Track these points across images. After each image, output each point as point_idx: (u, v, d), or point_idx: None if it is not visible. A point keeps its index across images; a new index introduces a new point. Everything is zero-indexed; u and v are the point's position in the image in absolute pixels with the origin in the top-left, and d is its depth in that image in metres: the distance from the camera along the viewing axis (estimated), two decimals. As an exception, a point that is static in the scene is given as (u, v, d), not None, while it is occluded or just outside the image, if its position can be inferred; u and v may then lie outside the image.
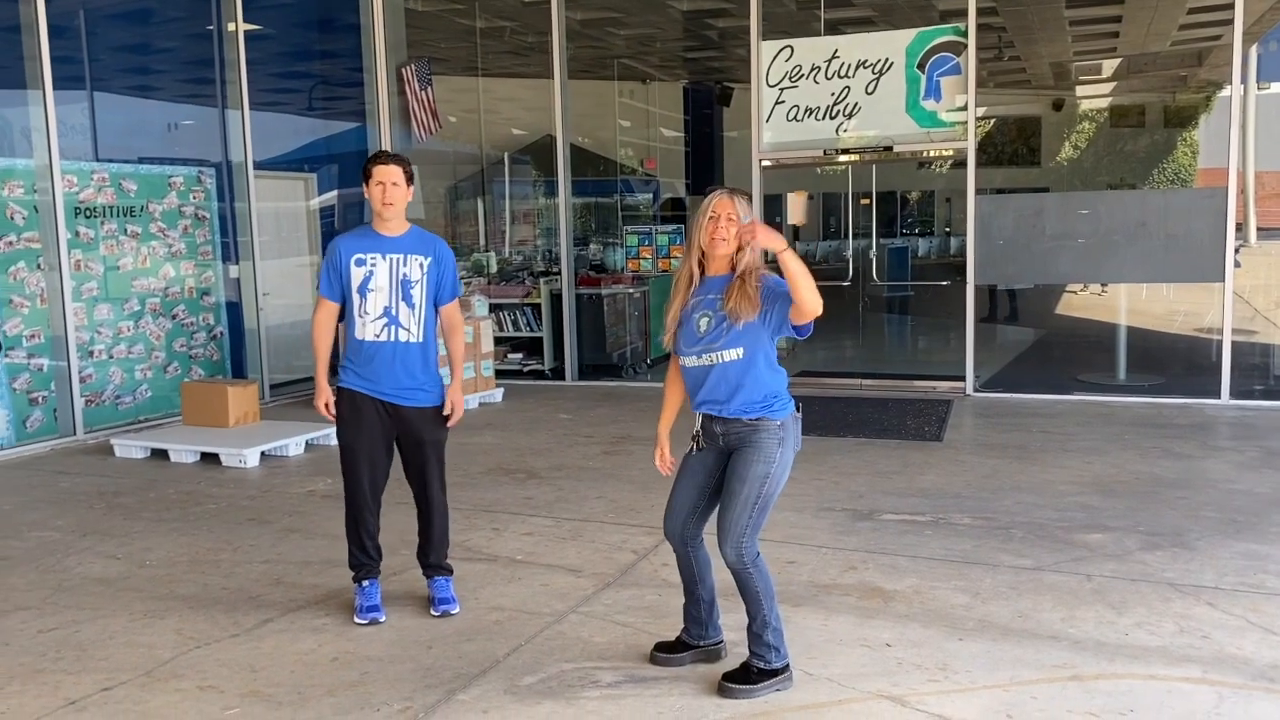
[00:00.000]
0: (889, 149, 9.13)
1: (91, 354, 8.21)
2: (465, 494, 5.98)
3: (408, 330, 4.02)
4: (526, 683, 3.46)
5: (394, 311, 4.00)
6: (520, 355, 10.67)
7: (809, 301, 3.12)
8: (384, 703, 3.33)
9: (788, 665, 3.39)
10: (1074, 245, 8.78)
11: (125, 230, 8.52)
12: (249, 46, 9.60)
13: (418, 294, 4.02)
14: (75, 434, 7.93)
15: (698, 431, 3.44)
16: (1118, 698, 3.27)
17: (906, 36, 8.93)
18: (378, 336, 4.00)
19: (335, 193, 11.13)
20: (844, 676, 3.46)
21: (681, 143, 16.12)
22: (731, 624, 3.62)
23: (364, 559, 4.16)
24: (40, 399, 7.87)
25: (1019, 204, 9.46)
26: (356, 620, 4.04)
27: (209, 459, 7.07)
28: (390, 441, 4.12)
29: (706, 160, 15.77)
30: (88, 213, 8.22)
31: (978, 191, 8.89)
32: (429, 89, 10.98)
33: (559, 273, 10.56)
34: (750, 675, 3.35)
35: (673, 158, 16.01)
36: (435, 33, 12.24)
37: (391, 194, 3.97)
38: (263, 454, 7.08)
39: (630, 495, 5.82)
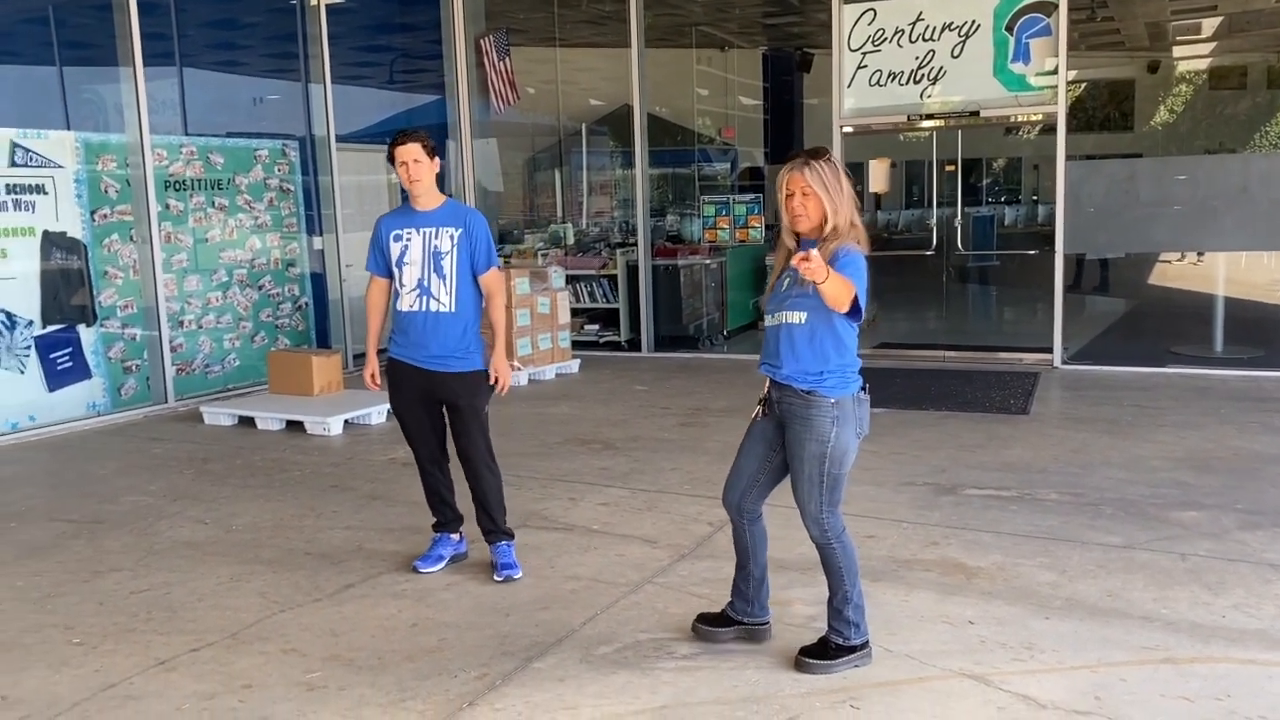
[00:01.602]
0: (975, 114, 8.86)
1: (182, 324, 8.44)
2: (542, 464, 6.01)
3: (439, 300, 4.14)
4: (602, 652, 3.46)
5: (426, 283, 4.14)
6: (597, 326, 10.67)
7: (830, 299, 3.03)
8: (461, 669, 3.36)
9: (867, 642, 3.33)
10: (1169, 212, 8.44)
11: (213, 203, 8.71)
12: (330, 20, 9.70)
13: (448, 265, 4.13)
14: (167, 401, 8.17)
15: (763, 396, 3.39)
16: (1214, 682, 3.15)
17: (994, -3, 8.63)
18: (412, 307, 4.16)
19: (415, 165, 11.22)
20: (924, 654, 3.38)
21: (760, 110, 15.86)
22: (810, 598, 3.57)
23: (436, 515, 4.41)
24: (134, 367, 8.12)
25: (1111, 170, 9.12)
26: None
27: (294, 427, 7.22)
28: (434, 406, 4.26)
29: (786, 128, 15.49)
30: (177, 186, 8.42)
31: (1068, 158, 8.58)
32: (507, 60, 10.98)
33: (635, 244, 10.52)
34: (828, 650, 3.30)
35: (751, 126, 15.77)
36: (513, 3, 12.22)
37: (415, 170, 4.11)
38: (346, 422, 7.21)
39: (706, 467, 5.78)
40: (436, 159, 4.16)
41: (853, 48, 9.10)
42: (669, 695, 3.14)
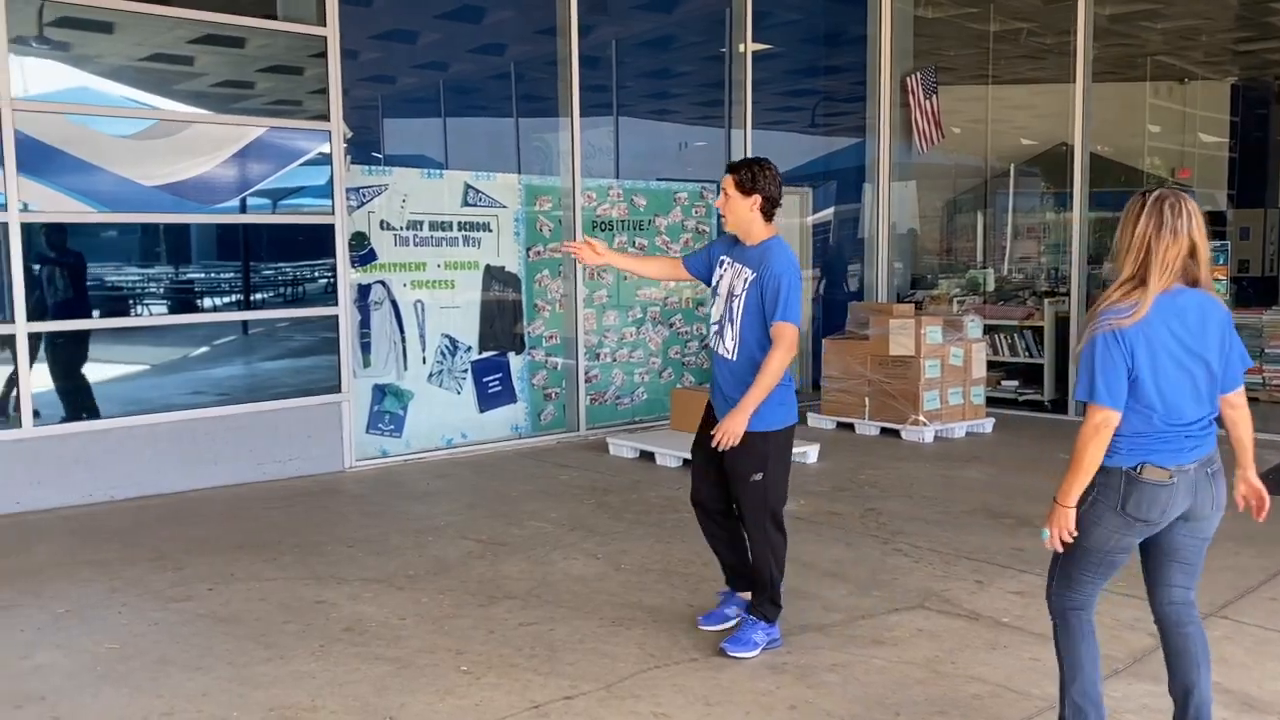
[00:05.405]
0: None
1: (598, 356, 8.82)
2: (944, 535, 5.44)
3: (724, 344, 3.88)
4: (1008, 783, 2.90)
5: (723, 321, 3.93)
6: (1016, 383, 9.77)
7: None
8: (840, 772, 2.97)
9: None
10: None
11: (634, 243, 9.05)
12: (756, 66, 9.77)
13: (736, 309, 3.84)
14: (578, 430, 8.55)
15: None
16: None
17: None
18: (711, 344, 4.01)
19: (831, 208, 11.02)
20: None
21: (1225, 148, 13.95)
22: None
23: (720, 565, 4.16)
24: (553, 395, 8.60)
25: None
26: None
27: (689, 465, 7.19)
28: (715, 454, 3.88)
29: (1258, 167, 13.49)
30: (603, 226, 8.84)
31: None
32: (934, 98, 10.47)
33: (1067, 293, 9.51)
34: None
35: (1213, 165, 13.89)
36: (944, 40, 11.67)
37: (722, 202, 3.92)
38: (741, 467, 7.07)
39: (1146, 561, 4.89)
40: (755, 197, 3.83)
41: (1362, 69, 7.55)
42: None
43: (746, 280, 3.83)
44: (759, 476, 3.81)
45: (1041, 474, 6.95)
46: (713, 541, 4.12)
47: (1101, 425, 2.74)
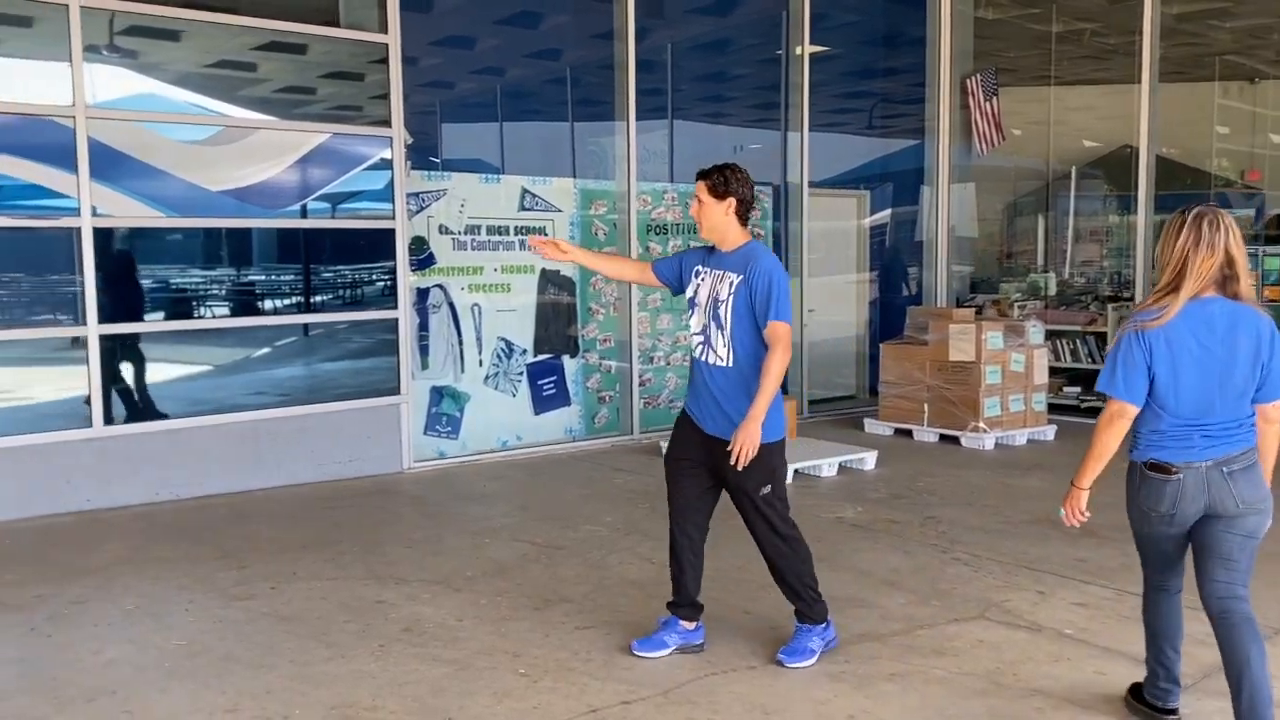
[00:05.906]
0: None
1: (651, 360, 8.83)
2: (1005, 544, 5.36)
3: (716, 353, 3.78)
4: (1073, 799, 2.85)
5: (708, 330, 3.81)
6: (1078, 389, 9.59)
7: None
8: (899, 784, 2.94)
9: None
10: None
11: (688, 246, 9.03)
12: (813, 68, 9.71)
13: (725, 314, 3.74)
14: (632, 433, 8.56)
15: None
16: None
17: None
18: (696, 354, 3.89)
19: (888, 211, 10.91)
20: None
21: (1297, 150, 13.58)
22: None
23: (673, 593, 3.97)
24: (607, 398, 8.62)
25: None
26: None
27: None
28: (706, 469, 3.83)
29: (1332, 170, 13.09)
30: (658, 230, 8.85)
31: None
32: (994, 100, 10.33)
33: (1131, 298, 9.33)
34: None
35: (1285, 167, 13.54)
36: (1004, 41, 11.51)
37: (696, 209, 3.86)
38: (795, 471, 7.02)
39: (1215, 574, 4.77)
40: (729, 200, 3.76)
41: None
42: None
43: (732, 284, 3.75)
44: (768, 489, 3.76)
45: (1104, 483, 6.81)
46: (680, 566, 3.95)
47: (1116, 416, 3.05)
